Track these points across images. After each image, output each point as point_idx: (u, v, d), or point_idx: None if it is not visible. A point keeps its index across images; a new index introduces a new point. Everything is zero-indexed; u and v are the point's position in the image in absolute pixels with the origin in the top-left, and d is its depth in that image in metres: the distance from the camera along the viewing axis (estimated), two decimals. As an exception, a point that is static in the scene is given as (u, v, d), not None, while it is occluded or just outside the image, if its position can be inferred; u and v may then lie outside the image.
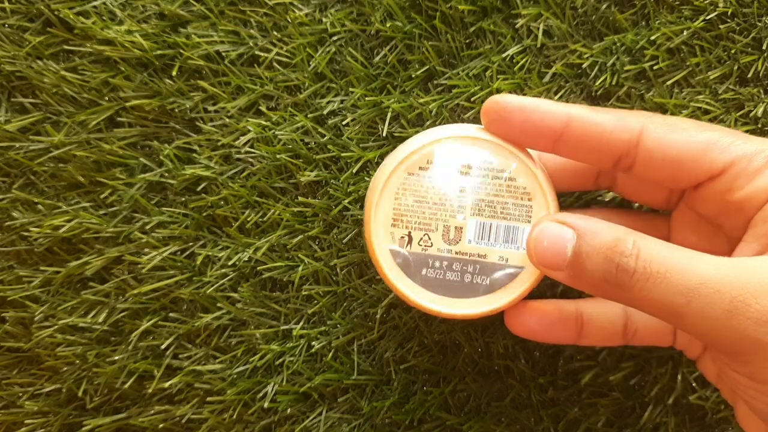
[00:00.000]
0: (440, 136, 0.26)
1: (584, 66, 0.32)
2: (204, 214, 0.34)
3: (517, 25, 0.32)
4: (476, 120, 0.32)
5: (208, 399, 0.34)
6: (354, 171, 0.33)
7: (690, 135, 0.24)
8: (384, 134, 0.33)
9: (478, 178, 0.26)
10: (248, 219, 0.34)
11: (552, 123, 0.25)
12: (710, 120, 0.32)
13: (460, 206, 0.27)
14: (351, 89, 0.33)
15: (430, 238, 0.27)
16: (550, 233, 0.24)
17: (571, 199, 0.33)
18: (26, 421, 0.35)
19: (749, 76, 0.32)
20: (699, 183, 0.25)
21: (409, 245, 0.27)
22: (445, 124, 0.30)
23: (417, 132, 0.29)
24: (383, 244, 0.27)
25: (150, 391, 0.34)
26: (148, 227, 0.34)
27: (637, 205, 0.32)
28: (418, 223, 0.27)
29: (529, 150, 0.27)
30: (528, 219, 0.26)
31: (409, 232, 0.27)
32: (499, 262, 0.27)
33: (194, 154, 0.34)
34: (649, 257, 0.22)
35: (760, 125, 0.32)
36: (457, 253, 0.27)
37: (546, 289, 0.33)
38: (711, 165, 0.24)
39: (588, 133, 0.25)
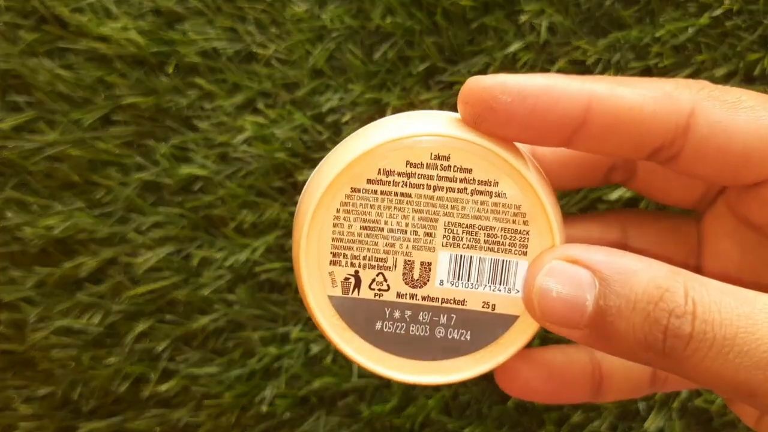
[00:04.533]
0: (397, 134, 0.19)
1: (588, 63, 0.32)
2: (201, 214, 0.34)
3: (520, 21, 0.32)
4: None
5: (205, 402, 0.34)
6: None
7: (759, 115, 0.18)
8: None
9: (451, 194, 0.20)
10: (245, 219, 0.33)
11: (569, 110, 0.18)
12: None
13: (428, 234, 0.20)
14: (350, 86, 0.33)
15: (385, 279, 0.20)
16: (559, 279, 0.17)
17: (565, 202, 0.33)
18: (21, 425, 0.35)
19: (755, 73, 0.31)
20: (762, 180, 0.19)
21: (356, 290, 0.20)
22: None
23: (363, 126, 0.22)
24: (319, 289, 0.20)
25: (146, 394, 0.34)
26: (143, 227, 0.34)
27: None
28: (368, 258, 0.20)
29: (518, 144, 0.20)
30: (523, 251, 0.20)
31: (356, 272, 0.20)
32: (483, 310, 0.20)
33: (190, 153, 0.34)
34: (711, 315, 0.16)
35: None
36: (424, 298, 0.20)
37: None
38: None
39: (620, 120, 0.18)
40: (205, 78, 0.33)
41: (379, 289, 0.20)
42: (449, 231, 0.20)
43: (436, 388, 0.34)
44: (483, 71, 0.32)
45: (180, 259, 0.34)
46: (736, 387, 0.16)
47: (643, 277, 0.16)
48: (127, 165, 0.34)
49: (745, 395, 0.16)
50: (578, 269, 0.17)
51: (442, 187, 0.19)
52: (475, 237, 0.20)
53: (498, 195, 0.19)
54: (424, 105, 0.33)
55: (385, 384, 0.34)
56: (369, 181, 0.19)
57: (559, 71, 0.32)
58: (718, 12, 0.31)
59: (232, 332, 0.34)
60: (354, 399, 0.34)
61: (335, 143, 0.33)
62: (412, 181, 0.19)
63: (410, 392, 0.34)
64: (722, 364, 0.16)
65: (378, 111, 0.33)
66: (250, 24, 0.33)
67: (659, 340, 0.16)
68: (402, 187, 0.19)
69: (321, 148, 0.33)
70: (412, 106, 0.33)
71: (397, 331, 0.20)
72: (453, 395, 0.34)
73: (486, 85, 0.18)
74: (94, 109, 0.34)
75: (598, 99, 0.18)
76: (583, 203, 0.33)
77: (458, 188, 0.19)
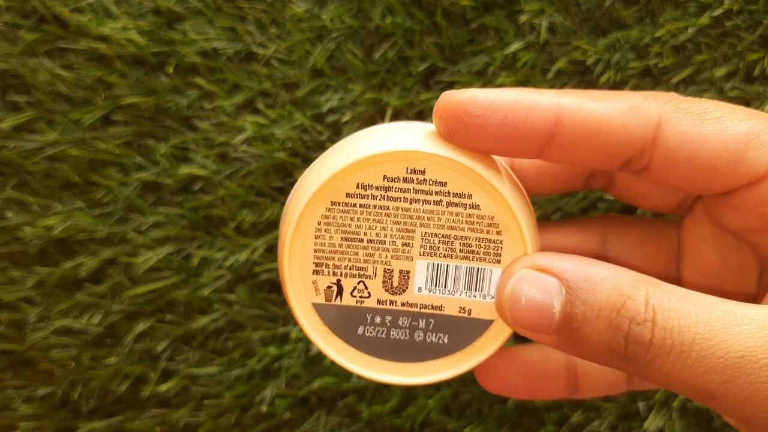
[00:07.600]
0: (375, 149, 0.20)
1: (588, 63, 0.32)
2: (201, 214, 0.34)
3: (520, 21, 0.32)
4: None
5: (205, 402, 0.34)
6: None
7: (725, 126, 0.18)
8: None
9: (427, 206, 0.20)
10: (245, 219, 0.33)
11: (538, 124, 0.18)
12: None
13: (406, 244, 0.21)
14: (350, 86, 0.33)
15: (366, 287, 0.21)
16: (528, 287, 0.18)
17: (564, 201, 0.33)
18: (21, 425, 0.35)
19: (755, 73, 0.31)
20: (731, 189, 0.19)
21: (338, 297, 0.21)
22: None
23: (341, 139, 0.23)
24: (304, 297, 0.21)
25: (146, 394, 0.34)
26: (143, 227, 0.34)
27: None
28: (349, 267, 0.21)
29: (495, 156, 0.21)
30: (497, 259, 0.20)
31: (338, 281, 0.21)
32: (460, 315, 0.21)
33: (190, 153, 0.34)
34: (670, 323, 0.16)
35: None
36: (403, 304, 0.21)
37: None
38: (750, 167, 0.18)
39: (588, 132, 0.18)
40: (205, 78, 0.33)
41: (361, 297, 0.21)
42: (426, 241, 0.20)
43: (437, 388, 0.34)
44: (483, 71, 0.32)
45: (180, 259, 0.34)
46: (695, 391, 0.17)
47: (608, 285, 0.17)
48: (127, 165, 0.34)
49: (705, 398, 0.17)
50: (546, 277, 0.18)
51: (419, 200, 0.20)
52: (450, 246, 0.20)
53: (472, 206, 0.20)
54: (423, 105, 0.33)
55: (385, 384, 0.34)
56: (348, 195, 0.20)
57: (559, 71, 0.32)
58: (718, 12, 0.31)
59: (232, 332, 0.34)
60: (354, 399, 0.34)
61: (335, 143, 0.33)
62: (390, 194, 0.20)
63: (410, 392, 0.34)
64: (681, 369, 0.16)
65: (378, 111, 0.33)
66: (250, 24, 0.33)
67: (622, 346, 0.17)
68: (380, 200, 0.20)
69: (321, 148, 0.33)
70: (412, 106, 0.33)
71: (379, 336, 0.21)
72: (453, 395, 0.34)
73: (457, 100, 0.18)
74: (94, 109, 0.34)
75: (567, 112, 0.18)
76: (584, 203, 0.33)
77: (434, 200, 0.20)
